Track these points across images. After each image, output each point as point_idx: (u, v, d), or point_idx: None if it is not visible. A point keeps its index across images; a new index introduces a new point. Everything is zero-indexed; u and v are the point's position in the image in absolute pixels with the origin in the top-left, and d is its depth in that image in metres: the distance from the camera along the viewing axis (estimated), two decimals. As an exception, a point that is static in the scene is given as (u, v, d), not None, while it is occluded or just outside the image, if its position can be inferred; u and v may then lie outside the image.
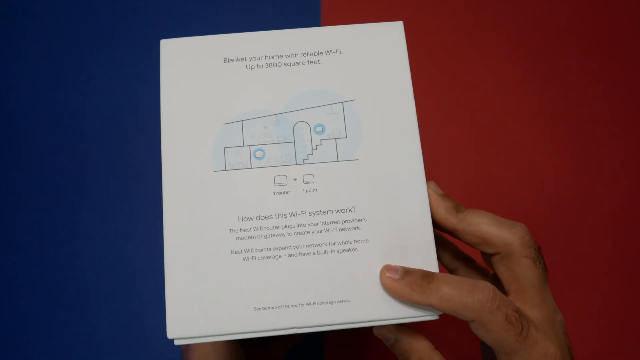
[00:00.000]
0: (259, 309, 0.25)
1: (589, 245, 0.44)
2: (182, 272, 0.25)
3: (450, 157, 0.47)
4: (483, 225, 0.26)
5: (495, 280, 0.29)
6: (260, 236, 0.25)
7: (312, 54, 0.28)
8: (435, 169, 0.46)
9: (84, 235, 0.45)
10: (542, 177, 0.46)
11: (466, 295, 0.24)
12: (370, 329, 0.27)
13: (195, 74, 0.27)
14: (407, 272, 0.24)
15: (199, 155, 0.26)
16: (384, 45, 0.28)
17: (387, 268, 0.25)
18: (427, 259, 0.25)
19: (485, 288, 0.24)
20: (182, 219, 0.25)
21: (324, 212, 0.26)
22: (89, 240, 0.45)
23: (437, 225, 0.27)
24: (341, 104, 0.27)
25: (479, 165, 0.46)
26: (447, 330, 0.42)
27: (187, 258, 0.25)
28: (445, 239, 0.32)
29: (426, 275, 0.24)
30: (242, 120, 0.27)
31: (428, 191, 0.26)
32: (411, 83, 0.28)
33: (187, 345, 0.35)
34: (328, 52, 0.28)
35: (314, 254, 0.25)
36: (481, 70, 0.49)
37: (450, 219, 0.27)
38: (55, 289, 0.44)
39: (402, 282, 0.24)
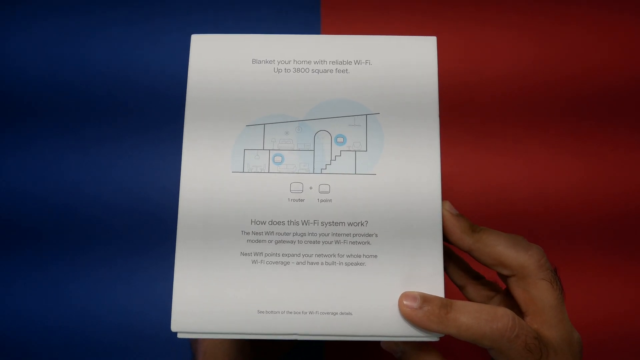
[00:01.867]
0: (262, 312, 0.25)
1: (589, 247, 0.44)
2: (191, 268, 0.25)
3: (451, 159, 0.46)
4: (499, 247, 0.26)
5: (508, 296, 0.29)
6: (271, 241, 0.26)
7: (341, 63, 0.28)
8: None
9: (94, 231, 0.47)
10: (543, 179, 0.46)
11: (485, 324, 0.24)
12: None
13: (223, 71, 0.28)
14: (425, 300, 0.24)
15: (219, 154, 0.27)
16: (414, 59, 0.28)
17: (405, 296, 0.25)
18: (433, 282, 0.25)
19: (504, 316, 0.24)
20: (196, 216, 0.26)
21: (336, 224, 0.26)
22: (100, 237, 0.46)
23: (453, 245, 0.27)
24: (365, 116, 0.27)
25: (480, 168, 0.46)
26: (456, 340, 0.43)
27: (197, 255, 0.26)
28: (457, 256, 0.32)
29: (444, 305, 0.25)
30: (264, 124, 0.27)
31: (443, 212, 0.26)
32: (438, 101, 0.27)
33: None
34: (357, 62, 0.28)
35: (322, 264, 0.25)
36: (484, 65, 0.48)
37: (465, 240, 0.27)
38: (65, 284, 0.46)
39: (420, 311, 0.24)
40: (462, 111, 0.48)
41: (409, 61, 0.28)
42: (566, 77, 0.48)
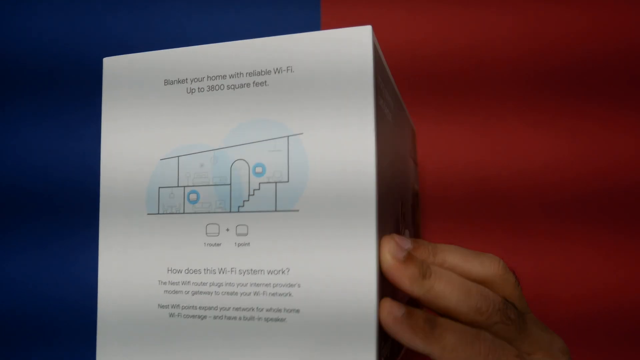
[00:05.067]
0: None
1: (571, 223, 0.42)
2: (112, 323, 0.24)
3: (446, 155, 0.43)
4: (452, 300, 0.22)
5: None
6: (188, 292, 0.23)
7: (259, 74, 0.23)
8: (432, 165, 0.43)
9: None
10: (521, 155, 0.43)
11: (468, 347, 0.21)
12: None
13: (135, 98, 0.25)
14: (409, 312, 0.21)
15: (134, 194, 0.24)
16: (345, 58, 0.22)
17: (390, 304, 0.21)
18: (364, 351, 0.21)
19: (486, 340, 0.22)
20: (114, 266, 0.24)
21: (254, 272, 0.22)
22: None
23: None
24: (286, 138, 0.22)
25: (474, 164, 0.44)
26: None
27: (118, 308, 0.24)
28: None
29: (428, 319, 0.21)
30: (178, 156, 0.24)
31: (386, 258, 0.21)
32: (374, 111, 0.21)
33: None
34: (277, 71, 0.23)
35: (240, 318, 0.22)
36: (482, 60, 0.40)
37: (415, 291, 0.22)
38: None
39: (405, 322, 0.21)
40: (435, 88, 0.44)
41: (338, 61, 0.22)
42: (543, 49, 0.44)
